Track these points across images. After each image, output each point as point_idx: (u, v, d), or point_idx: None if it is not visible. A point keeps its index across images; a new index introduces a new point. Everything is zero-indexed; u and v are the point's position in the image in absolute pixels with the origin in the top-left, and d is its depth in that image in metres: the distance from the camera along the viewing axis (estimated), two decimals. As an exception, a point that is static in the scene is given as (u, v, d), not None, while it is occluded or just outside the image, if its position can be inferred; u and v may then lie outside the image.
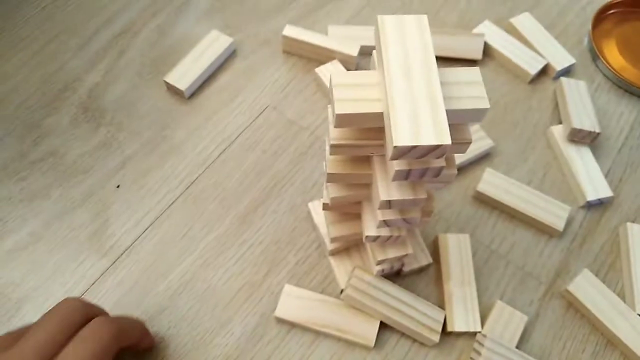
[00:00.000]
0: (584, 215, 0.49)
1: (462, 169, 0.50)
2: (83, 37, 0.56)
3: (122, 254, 0.45)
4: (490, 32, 0.57)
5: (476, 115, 0.28)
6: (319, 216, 0.45)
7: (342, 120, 0.28)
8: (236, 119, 0.52)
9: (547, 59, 0.56)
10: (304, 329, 0.43)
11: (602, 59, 0.56)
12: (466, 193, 0.49)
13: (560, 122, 0.53)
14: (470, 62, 0.56)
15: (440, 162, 0.28)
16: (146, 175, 0.49)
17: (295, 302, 0.43)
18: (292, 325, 0.43)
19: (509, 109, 0.54)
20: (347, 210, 0.39)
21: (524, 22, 0.58)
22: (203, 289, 0.44)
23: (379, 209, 0.31)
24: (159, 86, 0.54)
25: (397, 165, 0.27)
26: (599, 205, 0.49)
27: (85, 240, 0.46)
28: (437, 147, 0.25)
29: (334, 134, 0.30)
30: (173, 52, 0.56)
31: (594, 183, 0.49)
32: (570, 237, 0.48)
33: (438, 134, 0.25)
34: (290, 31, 0.54)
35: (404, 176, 0.28)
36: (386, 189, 0.30)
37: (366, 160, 0.32)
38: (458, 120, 0.28)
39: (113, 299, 0.44)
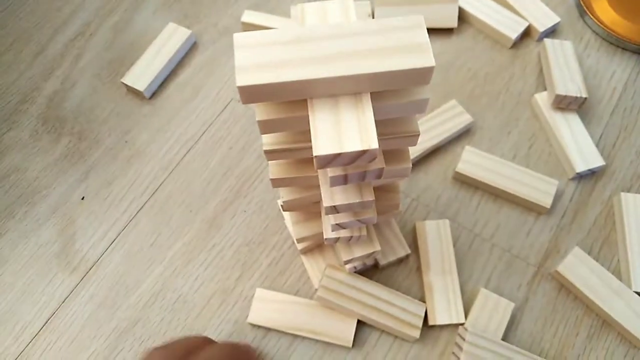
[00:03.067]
0: (574, 187, 0.45)
1: (440, 148, 0.47)
2: (38, 44, 0.54)
3: (90, 269, 0.44)
4: (466, -4, 0.53)
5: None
6: (288, 214, 0.43)
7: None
8: (200, 116, 0.50)
9: (528, 20, 0.51)
10: (280, 332, 0.41)
11: (589, 14, 0.52)
12: (446, 174, 0.46)
13: (545, 89, 0.49)
14: (446, 31, 0.52)
15: (379, 164, 0.25)
16: (110, 184, 0.47)
17: (268, 307, 0.41)
18: (267, 329, 0.41)
19: (490, 79, 0.50)
20: (308, 210, 0.37)
21: (503, -19, 0.54)
22: (174, 298, 0.43)
23: (326, 214, 0.29)
24: (119, 88, 0.51)
25: (331, 172, 0.25)
26: (591, 175, 0.46)
27: (52, 258, 0.44)
28: (364, 152, 0.22)
29: (266, 139, 0.27)
30: (131, 50, 0.53)
31: (583, 152, 0.45)
32: (560, 213, 0.44)
33: (364, 138, 0.22)
34: (249, 17, 0.51)
35: (341, 181, 0.26)
36: (329, 194, 0.28)
37: (310, 161, 0.30)
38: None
39: (85, 315, 0.42)
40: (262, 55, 0.22)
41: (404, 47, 0.22)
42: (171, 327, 0.42)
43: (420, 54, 0.22)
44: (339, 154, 0.22)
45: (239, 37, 0.23)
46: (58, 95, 0.51)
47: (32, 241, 0.45)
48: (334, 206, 0.28)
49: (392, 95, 0.24)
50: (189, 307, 0.42)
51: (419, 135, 0.27)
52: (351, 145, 0.22)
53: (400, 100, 0.24)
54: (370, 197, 0.28)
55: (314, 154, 0.22)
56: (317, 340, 0.40)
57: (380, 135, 0.27)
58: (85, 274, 0.44)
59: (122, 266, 0.44)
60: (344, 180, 0.26)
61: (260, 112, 0.24)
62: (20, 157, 0.49)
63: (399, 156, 0.30)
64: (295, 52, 0.22)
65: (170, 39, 0.52)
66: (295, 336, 0.41)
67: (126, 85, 0.50)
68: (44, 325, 0.42)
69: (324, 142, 0.22)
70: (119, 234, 0.45)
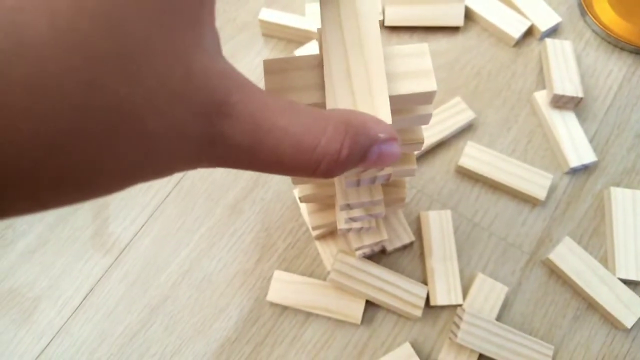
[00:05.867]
0: (568, 181, 0.49)
1: (444, 143, 0.51)
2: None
3: (123, 251, 0.48)
4: (473, -5, 0.56)
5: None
6: (304, 204, 0.47)
7: None
8: (221, 110, 0.53)
9: (531, 19, 0.54)
10: (296, 310, 0.45)
11: (590, 14, 0.54)
12: (449, 167, 0.50)
13: (545, 87, 0.52)
14: (452, 29, 0.55)
15: (388, 171, 0.29)
16: (139, 172, 0.51)
17: (285, 287, 0.45)
18: (284, 307, 0.46)
19: (493, 76, 0.53)
20: (323, 201, 0.41)
21: (508, -20, 0.56)
22: (200, 278, 0.47)
23: (340, 210, 0.33)
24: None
25: (345, 177, 0.29)
26: (584, 170, 0.49)
27: (88, 240, 0.49)
28: (376, 163, 0.26)
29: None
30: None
31: (577, 149, 0.48)
32: (553, 205, 0.48)
33: (376, 151, 0.26)
34: (266, 15, 0.54)
35: (354, 184, 0.30)
36: (344, 194, 0.32)
37: (327, 163, 0.34)
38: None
39: (119, 293, 0.47)
40: (287, 80, 0.26)
41: (411, 72, 0.26)
42: (198, 303, 0.46)
43: (425, 79, 0.26)
44: (355, 165, 0.26)
45: (269, 63, 0.26)
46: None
47: (69, 224, 0.50)
48: (348, 204, 0.32)
49: (401, 111, 0.28)
50: (214, 286, 0.47)
51: (423, 142, 0.31)
52: (365, 157, 0.26)
53: (408, 115, 0.28)
54: (379, 196, 0.32)
55: (333, 164, 0.26)
56: (329, 318, 0.45)
57: (389, 142, 0.31)
58: (118, 255, 0.48)
59: (152, 248, 0.48)
60: (357, 183, 0.29)
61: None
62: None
63: (406, 159, 0.33)
64: (317, 77, 0.26)
65: (192, 35, 0.55)
66: (310, 313, 0.45)
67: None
68: (82, 301, 0.47)
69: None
70: (148, 219, 0.49)
